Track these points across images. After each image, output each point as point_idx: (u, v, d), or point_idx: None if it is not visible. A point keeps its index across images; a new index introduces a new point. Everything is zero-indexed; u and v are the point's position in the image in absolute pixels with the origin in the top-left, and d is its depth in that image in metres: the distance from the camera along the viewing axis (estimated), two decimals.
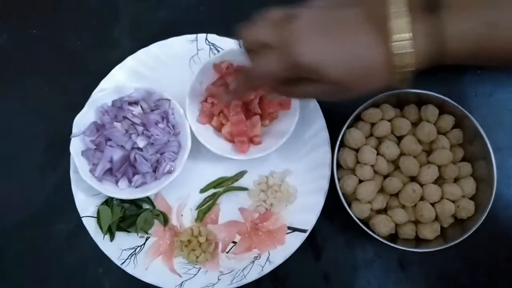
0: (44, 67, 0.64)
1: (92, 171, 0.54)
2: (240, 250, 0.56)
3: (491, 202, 0.50)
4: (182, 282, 0.54)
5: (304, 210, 0.55)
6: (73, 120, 0.54)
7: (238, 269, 0.54)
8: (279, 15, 0.38)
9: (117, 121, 0.55)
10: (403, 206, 0.53)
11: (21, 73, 0.64)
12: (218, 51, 0.60)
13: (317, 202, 0.54)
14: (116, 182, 0.55)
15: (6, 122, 0.62)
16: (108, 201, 0.56)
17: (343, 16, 0.36)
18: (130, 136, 0.54)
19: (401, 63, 0.34)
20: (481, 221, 0.49)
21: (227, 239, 0.56)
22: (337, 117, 0.54)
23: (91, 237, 0.55)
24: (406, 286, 0.56)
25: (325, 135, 0.56)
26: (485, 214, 0.50)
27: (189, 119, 0.55)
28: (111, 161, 0.54)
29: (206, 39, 0.60)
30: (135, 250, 0.55)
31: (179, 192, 0.57)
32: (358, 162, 0.53)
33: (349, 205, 0.52)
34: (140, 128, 0.54)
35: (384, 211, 0.53)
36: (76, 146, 0.54)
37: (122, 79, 0.58)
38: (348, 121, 0.53)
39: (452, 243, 0.49)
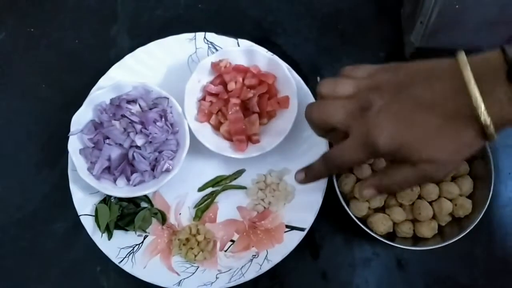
0: (42, 65, 0.64)
1: (90, 169, 0.54)
2: (238, 248, 0.56)
3: (489, 200, 0.50)
4: (180, 280, 0.54)
5: (302, 209, 0.55)
6: (71, 118, 0.54)
7: (236, 268, 0.54)
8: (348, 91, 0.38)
9: (115, 119, 0.55)
10: (401, 205, 0.53)
11: (19, 72, 0.64)
12: (217, 50, 0.60)
13: (315, 200, 0.54)
14: (114, 181, 0.55)
15: (3, 120, 0.62)
16: (106, 200, 0.56)
17: (417, 101, 0.35)
18: (128, 134, 0.54)
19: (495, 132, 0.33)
20: (478, 220, 0.50)
21: (225, 237, 0.56)
22: None
23: (89, 236, 0.54)
24: (404, 284, 0.56)
25: None
26: (483, 212, 0.50)
27: (188, 118, 0.55)
28: (109, 159, 0.54)
29: (205, 37, 0.60)
30: (133, 249, 0.55)
31: (177, 190, 0.57)
32: None
33: (347, 204, 0.52)
34: (138, 127, 0.54)
35: (382, 209, 0.53)
36: (74, 144, 0.54)
37: (121, 77, 0.58)
38: None
39: (450, 241, 0.49)
